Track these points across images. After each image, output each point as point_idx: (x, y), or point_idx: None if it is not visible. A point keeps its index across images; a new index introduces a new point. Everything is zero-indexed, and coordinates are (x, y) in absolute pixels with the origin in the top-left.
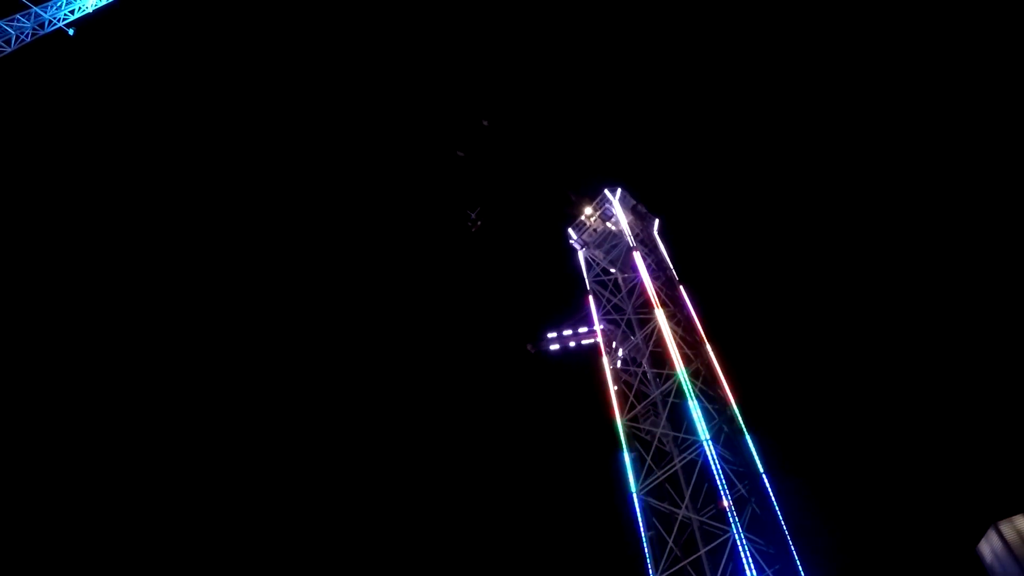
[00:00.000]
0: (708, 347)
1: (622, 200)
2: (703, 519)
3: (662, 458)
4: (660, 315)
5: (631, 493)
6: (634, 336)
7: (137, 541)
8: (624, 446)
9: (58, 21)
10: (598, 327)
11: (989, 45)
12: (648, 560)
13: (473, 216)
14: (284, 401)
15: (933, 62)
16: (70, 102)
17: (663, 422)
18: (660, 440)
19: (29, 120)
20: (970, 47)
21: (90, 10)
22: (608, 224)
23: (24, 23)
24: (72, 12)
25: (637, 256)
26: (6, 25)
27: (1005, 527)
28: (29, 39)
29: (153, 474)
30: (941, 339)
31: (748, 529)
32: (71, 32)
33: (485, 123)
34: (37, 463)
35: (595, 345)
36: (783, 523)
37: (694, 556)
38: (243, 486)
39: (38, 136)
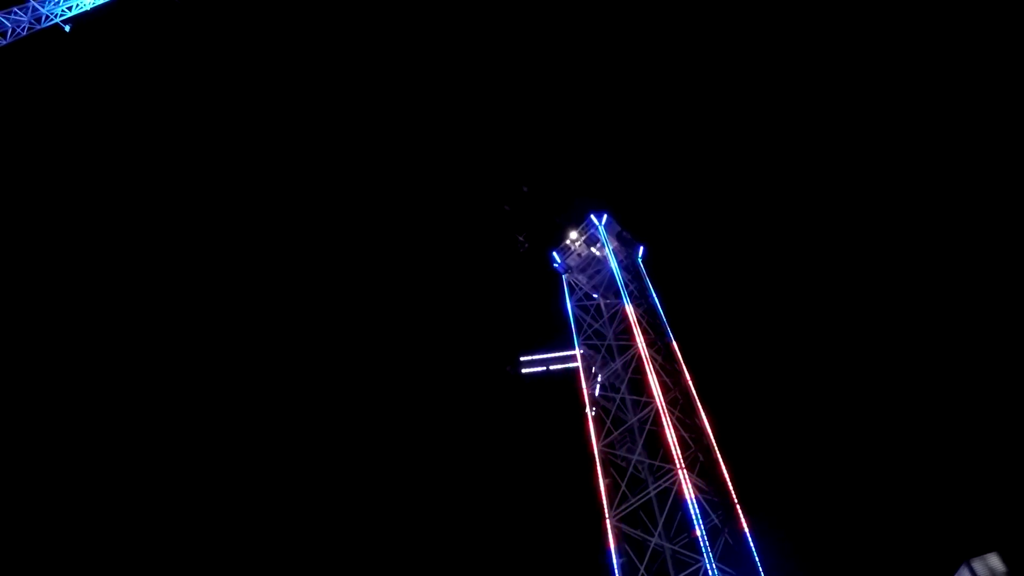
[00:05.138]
0: (687, 375)
1: (608, 226)
2: (675, 548)
3: (637, 485)
4: (640, 342)
5: (604, 519)
6: (614, 362)
7: (136, 540)
8: (599, 472)
9: (55, 16)
10: (578, 352)
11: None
12: None
13: (521, 239)
14: (247, 421)
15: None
16: (63, 99)
17: (639, 449)
18: (635, 467)
19: (21, 114)
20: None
21: (88, 8)
22: (593, 249)
23: (21, 17)
24: (70, 8)
25: (620, 282)
26: (3, 18)
27: (978, 564)
28: (25, 33)
29: (152, 474)
30: (918, 371)
31: (720, 559)
32: (67, 28)
33: (525, 189)
34: (36, 463)
35: (574, 369)
36: (755, 554)
37: None
38: (217, 493)
39: (30, 130)
